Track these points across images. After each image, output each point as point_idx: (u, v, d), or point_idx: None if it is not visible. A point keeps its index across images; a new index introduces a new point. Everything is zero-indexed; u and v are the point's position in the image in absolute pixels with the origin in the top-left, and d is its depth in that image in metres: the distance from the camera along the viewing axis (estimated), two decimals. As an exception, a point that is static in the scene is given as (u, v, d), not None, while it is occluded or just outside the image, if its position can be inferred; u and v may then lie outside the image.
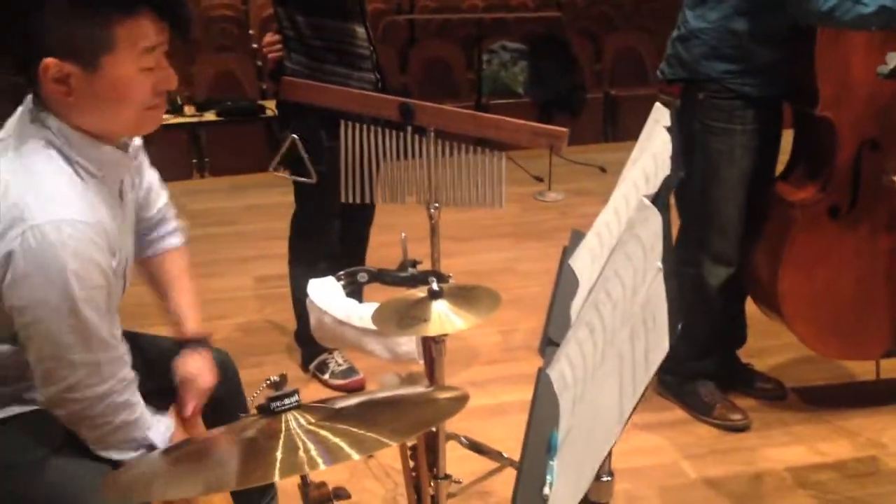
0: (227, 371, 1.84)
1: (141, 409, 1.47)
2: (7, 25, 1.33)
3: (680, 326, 2.95)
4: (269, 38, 2.74)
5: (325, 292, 1.90)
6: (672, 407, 2.79)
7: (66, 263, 1.31)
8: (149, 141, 1.67)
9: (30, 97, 1.42)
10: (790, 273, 2.50)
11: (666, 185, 1.37)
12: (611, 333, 1.22)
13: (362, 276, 1.94)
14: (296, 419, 1.09)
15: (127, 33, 1.33)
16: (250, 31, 7.24)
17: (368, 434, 1.05)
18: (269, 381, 1.14)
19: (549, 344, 1.44)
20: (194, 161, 5.58)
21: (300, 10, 2.62)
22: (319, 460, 0.99)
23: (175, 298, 1.77)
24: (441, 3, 7.57)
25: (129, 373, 1.47)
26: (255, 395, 1.23)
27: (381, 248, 3.15)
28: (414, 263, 1.94)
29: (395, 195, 2.30)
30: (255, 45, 6.74)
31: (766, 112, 2.46)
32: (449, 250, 3.75)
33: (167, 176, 1.86)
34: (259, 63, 6.20)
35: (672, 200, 2.62)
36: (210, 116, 5.55)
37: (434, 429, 1.79)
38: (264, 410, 1.12)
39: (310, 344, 2.97)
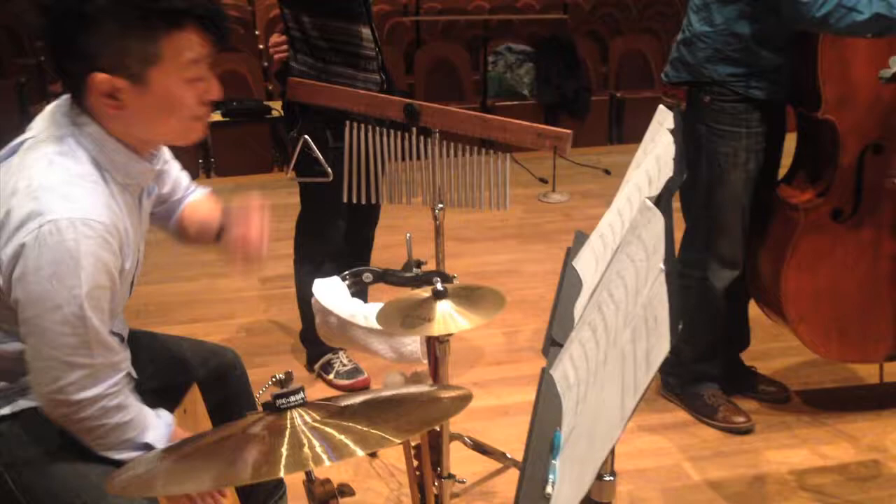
0: (235, 370, 1.86)
1: (135, 410, 1.47)
2: (58, 41, 1.37)
3: (684, 329, 2.96)
4: (276, 38, 2.75)
5: (330, 292, 1.91)
6: (675, 409, 2.80)
7: (77, 261, 1.32)
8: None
9: (66, 99, 1.45)
10: (793, 276, 2.51)
11: (668, 186, 1.38)
12: (613, 334, 1.22)
13: (367, 277, 1.95)
14: (301, 416, 1.11)
15: (173, 46, 1.37)
16: (256, 32, 7.27)
17: (373, 431, 1.06)
18: (274, 379, 1.15)
19: (553, 344, 1.45)
20: (200, 161, 5.60)
21: (306, 11, 2.63)
22: (324, 456, 1.01)
23: (197, 215, 1.76)
24: (447, 5, 7.60)
25: (123, 377, 1.46)
26: (260, 393, 1.24)
27: (387, 249, 3.16)
28: (419, 264, 1.95)
29: (399, 196, 2.31)
30: (261, 46, 6.77)
31: (771, 115, 2.46)
32: (454, 251, 3.77)
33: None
34: (265, 63, 6.23)
35: (677, 204, 2.64)
36: (216, 117, 5.55)
37: (438, 428, 1.80)
38: (270, 407, 1.13)
39: (315, 344, 2.98)
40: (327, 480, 1.23)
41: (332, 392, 2.99)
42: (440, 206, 2.18)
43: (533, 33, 6.70)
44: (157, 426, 1.52)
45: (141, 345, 1.72)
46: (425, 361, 1.85)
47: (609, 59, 6.72)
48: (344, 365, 3.02)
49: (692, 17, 2.48)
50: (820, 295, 2.54)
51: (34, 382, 1.40)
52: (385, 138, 2.25)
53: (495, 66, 6.28)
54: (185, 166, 1.83)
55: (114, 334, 1.48)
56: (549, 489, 1.14)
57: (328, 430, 1.06)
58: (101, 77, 1.35)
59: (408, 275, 1.91)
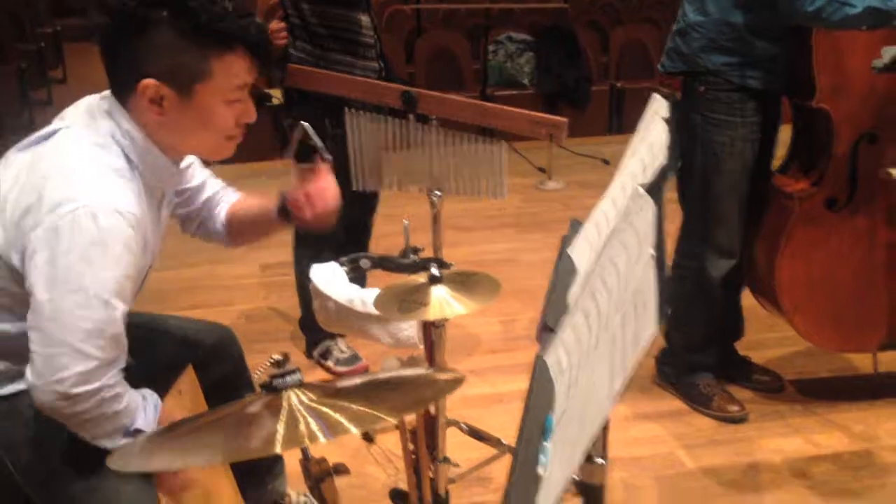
0: (231, 349, 1.88)
1: (128, 397, 1.47)
2: (117, 43, 1.43)
3: (680, 318, 2.98)
4: (275, 25, 2.76)
5: (328, 277, 1.93)
6: (670, 398, 2.82)
7: (109, 247, 1.35)
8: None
9: (105, 95, 1.50)
10: (788, 265, 2.53)
11: (661, 174, 1.40)
12: (605, 319, 1.24)
13: (365, 263, 1.97)
14: (297, 396, 1.13)
15: (223, 67, 1.45)
16: (246, 8, 7.26)
17: (367, 411, 1.08)
18: (272, 360, 1.17)
19: (546, 330, 1.47)
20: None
21: (306, -2, 2.65)
22: (319, 434, 1.03)
23: (253, 210, 1.82)
24: (447, -7, 7.58)
25: (120, 371, 1.47)
26: (258, 373, 1.26)
27: (385, 238, 3.18)
28: (416, 250, 1.96)
29: (397, 183, 2.33)
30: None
31: (766, 105, 2.48)
32: (452, 240, 3.78)
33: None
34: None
35: (673, 194, 2.66)
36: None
37: (433, 412, 1.82)
38: (267, 388, 1.15)
39: (314, 331, 3.01)
40: (323, 459, 1.25)
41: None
42: (437, 193, 2.19)
43: (534, 22, 6.71)
44: (146, 409, 1.51)
45: (138, 324, 1.74)
46: (422, 347, 1.87)
47: (610, 49, 6.73)
48: (342, 352, 3.04)
49: (686, 6, 2.49)
50: (814, 284, 2.56)
51: (33, 373, 1.38)
52: (383, 126, 2.27)
53: (496, 55, 6.29)
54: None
55: None
56: (540, 470, 1.16)
57: (324, 409, 1.08)
58: (150, 83, 1.42)
59: (405, 261, 1.93)
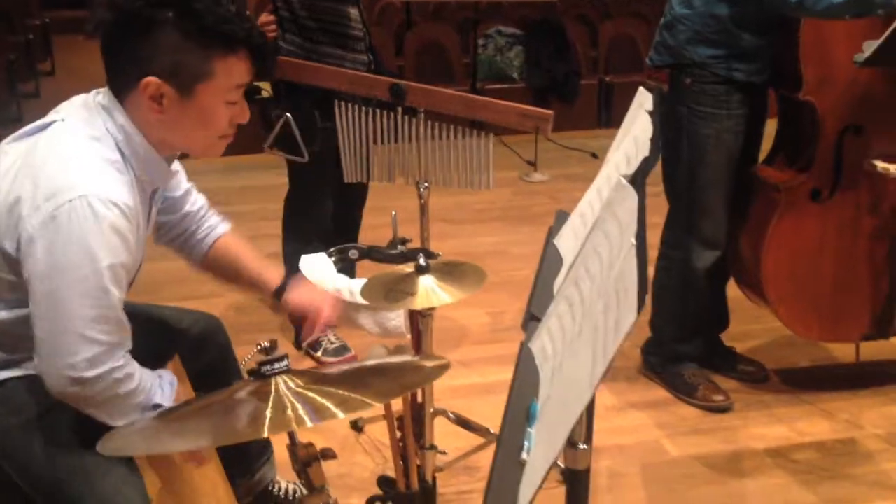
0: (218, 338, 1.90)
1: (139, 375, 1.50)
2: (122, 41, 1.46)
3: (665, 309, 3.00)
4: (264, 18, 2.78)
5: (317, 268, 1.95)
6: (655, 388, 2.85)
7: (105, 236, 1.38)
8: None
9: (102, 90, 1.52)
10: (773, 255, 2.56)
11: (644, 165, 1.42)
12: (588, 306, 1.27)
13: (353, 253, 1.99)
14: (285, 383, 1.15)
15: (224, 68, 1.48)
16: (247, 12, 7.24)
17: (353, 396, 1.10)
18: (259, 347, 1.19)
19: (532, 319, 1.49)
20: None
21: (295, -9, 2.66)
22: (306, 418, 1.05)
23: (249, 267, 1.84)
24: (437, -13, 7.58)
25: (128, 352, 1.50)
26: (245, 361, 1.28)
27: (373, 230, 3.19)
28: (403, 241, 1.98)
29: (385, 175, 2.35)
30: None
31: (752, 97, 2.51)
32: (441, 233, 3.80)
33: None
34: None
35: (657, 188, 2.68)
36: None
37: (420, 400, 1.84)
38: (255, 374, 1.17)
39: (303, 323, 3.02)
40: (310, 444, 1.27)
41: (320, 369, 3.03)
42: (425, 184, 2.21)
43: (523, 16, 6.71)
44: (163, 387, 1.55)
45: (126, 314, 1.76)
46: (409, 336, 1.89)
47: (599, 43, 6.74)
48: (332, 343, 3.06)
49: (673, 0, 2.52)
50: (799, 275, 2.59)
51: (46, 362, 1.41)
52: (371, 118, 2.29)
53: (485, 48, 6.30)
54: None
55: None
56: (524, 455, 1.18)
57: (311, 394, 1.10)
58: (152, 81, 1.45)
59: (393, 252, 1.95)
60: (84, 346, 1.39)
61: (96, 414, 1.46)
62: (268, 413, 1.06)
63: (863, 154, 2.51)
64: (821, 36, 2.37)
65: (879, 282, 2.63)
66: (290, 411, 1.06)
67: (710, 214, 2.60)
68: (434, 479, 1.92)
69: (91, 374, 1.40)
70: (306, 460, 1.25)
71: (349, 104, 2.34)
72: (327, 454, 1.28)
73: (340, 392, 1.10)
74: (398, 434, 1.73)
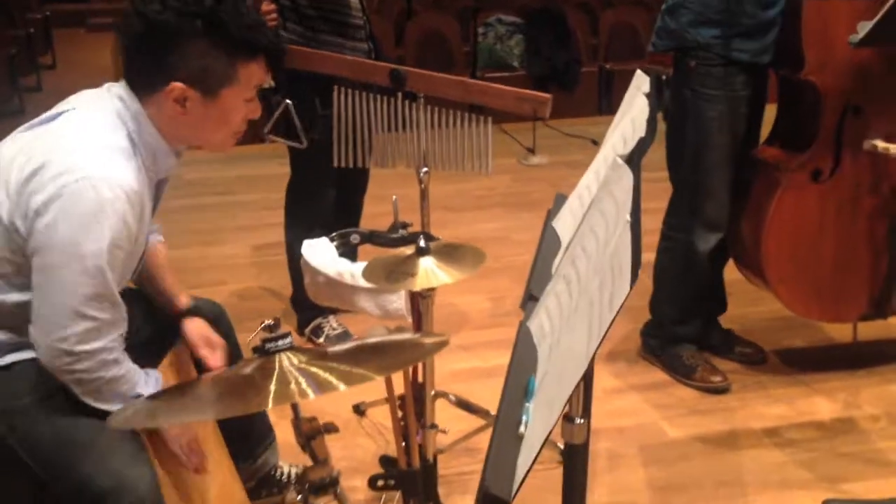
0: (220, 323, 1.93)
1: (127, 364, 1.55)
2: (150, 50, 1.52)
3: (667, 290, 3.02)
4: (265, 7, 2.78)
5: (319, 252, 1.98)
6: (654, 370, 2.88)
7: (107, 216, 1.43)
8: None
9: (119, 83, 1.58)
10: (773, 236, 2.58)
11: (639, 145, 1.45)
12: (584, 283, 1.29)
13: (355, 238, 2.02)
14: (289, 359, 1.18)
15: (247, 72, 1.57)
16: (247, 1, 7.24)
17: (355, 370, 1.13)
18: (263, 324, 1.22)
19: (531, 299, 1.52)
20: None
21: (295, -21, 2.68)
22: (309, 391, 1.08)
23: (163, 281, 1.88)
24: (437, -24, 7.58)
25: (120, 335, 1.54)
26: (250, 339, 1.31)
27: (374, 218, 3.21)
28: (404, 225, 2.01)
29: (386, 160, 2.37)
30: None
31: (755, 78, 2.54)
32: (442, 220, 3.83)
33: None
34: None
35: (655, 174, 2.70)
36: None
37: (421, 380, 1.87)
38: (260, 351, 1.20)
39: (305, 309, 3.06)
40: (313, 418, 1.30)
41: (323, 355, 3.06)
42: (424, 169, 2.24)
43: (523, 5, 6.72)
44: (147, 381, 1.58)
45: (130, 299, 1.79)
46: (409, 318, 1.92)
47: (599, 31, 6.75)
48: (333, 329, 3.09)
49: (674, -16, 2.54)
50: (799, 255, 2.61)
51: (38, 330, 1.47)
52: (372, 104, 2.31)
53: (485, 37, 6.31)
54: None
55: None
56: (522, 429, 1.21)
57: (313, 369, 1.13)
58: (178, 86, 1.52)
59: (394, 236, 1.98)
60: (77, 321, 1.44)
61: (81, 392, 1.50)
62: (272, 387, 1.09)
63: (863, 134, 2.53)
64: (823, 16, 2.40)
65: (879, 262, 2.66)
66: (293, 385, 1.09)
67: (714, 197, 2.63)
68: (435, 457, 1.95)
69: (80, 348, 1.45)
70: (310, 434, 1.28)
71: (349, 90, 2.36)
72: (330, 428, 1.32)
73: (342, 367, 1.13)
74: (399, 414, 1.76)
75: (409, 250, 1.73)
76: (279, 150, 2.91)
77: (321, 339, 3.08)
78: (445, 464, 2.32)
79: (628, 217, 1.22)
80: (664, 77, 2.40)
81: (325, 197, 2.91)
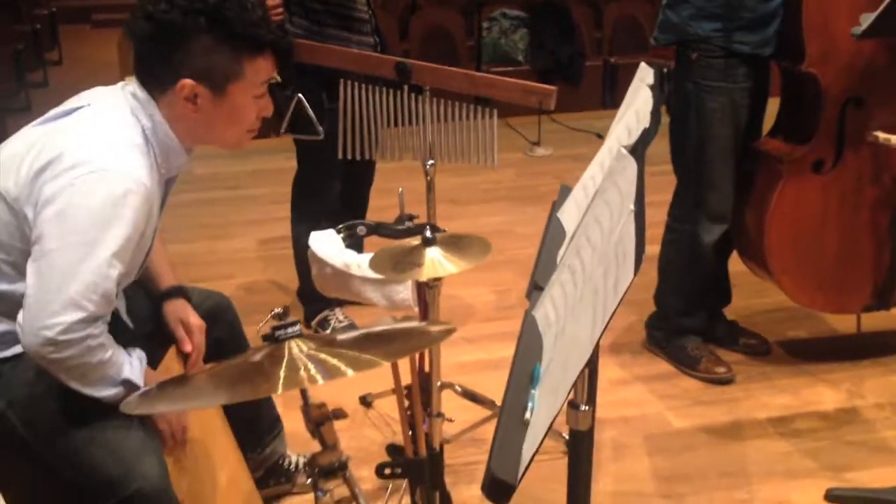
0: (226, 314, 1.96)
1: (113, 348, 1.55)
2: (158, 49, 1.55)
3: (672, 282, 3.03)
4: (271, 1, 2.81)
5: (326, 244, 1.99)
6: (659, 361, 2.90)
7: (118, 210, 1.45)
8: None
9: (133, 83, 1.61)
10: (776, 227, 2.60)
11: (643, 135, 1.46)
12: (589, 273, 1.31)
13: (361, 229, 2.03)
14: (298, 346, 1.20)
15: (253, 67, 1.59)
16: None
17: (363, 356, 1.15)
18: (273, 313, 1.24)
19: (536, 288, 1.54)
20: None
21: (301, -26, 2.69)
22: (318, 377, 1.10)
23: (150, 264, 1.86)
24: (442, -30, 7.57)
25: (104, 323, 1.53)
26: (259, 327, 1.33)
27: (380, 211, 3.23)
28: (410, 217, 2.03)
29: (392, 152, 2.39)
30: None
31: (756, 70, 2.55)
32: (447, 213, 3.84)
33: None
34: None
35: (658, 167, 2.72)
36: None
37: (428, 370, 1.89)
38: (270, 339, 1.22)
39: (312, 301, 3.08)
40: (322, 404, 1.32)
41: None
42: (431, 161, 2.25)
43: (527, -1, 6.73)
44: (132, 362, 1.58)
45: (135, 290, 1.81)
46: (416, 308, 1.93)
47: (603, 25, 6.74)
48: (340, 321, 3.11)
49: (674, -21, 2.55)
50: (802, 246, 2.63)
51: (27, 315, 1.46)
52: (378, 96, 2.33)
53: (490, 31, 6.31)
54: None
55: None
56: (527, 415, 1.23)
57: (322, 356, 1.15)
58: (187, 83, 1.55)
59: (400, 227, 1.99)
60: (69, 310, 1.44)
61: (67, 379, 1.50)
62: (282, 373, 1.11)
63: (864, 126, 2.54)
64: (824, 8, 2.41)
65: (881, 253, 2.67)
66: (302, 371, 1.11)
67: (718, 188, 2.65)
68: (441, 446, 1.97)
69: (66, 337, 1.44)
70: (319, 420, 1.30)
71: (355, 83, 2.38)
72: (339, 414, 1.34)
73: (351, 353, 1.15)
74: (406, 403, 1.78)
75: (415, 241, 1.75)
76: (287, 144, 2.93)
77: (328, 332, 3.11)
78: (451, 454, 2.34)
79: (632, 206, 1.23)
80: (665, 70, 2.40)
81: (331, 190, 2.93)
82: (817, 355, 2.89)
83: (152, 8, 1.53)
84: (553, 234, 1.70)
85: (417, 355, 1.99)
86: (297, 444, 2.25)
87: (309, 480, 1.33)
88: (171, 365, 1.74)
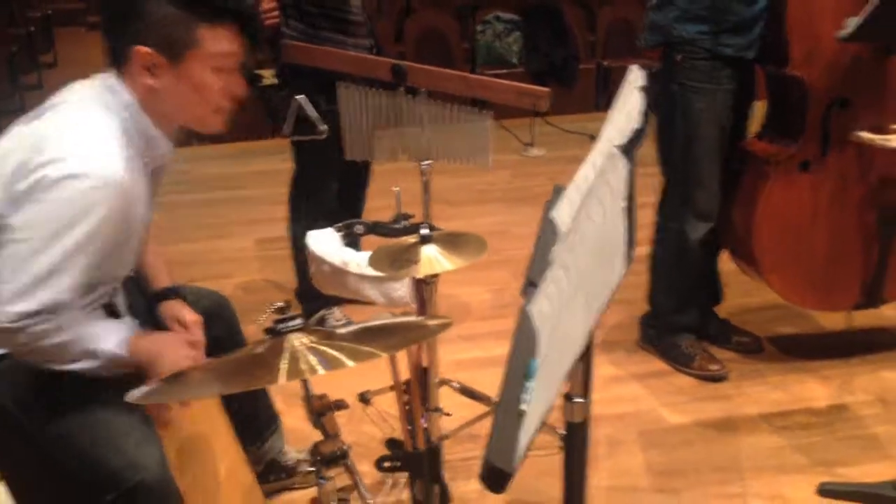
0: (224, 312, 1.98)
1: (76, 328, 1.52)
2: (115, 12, 1.56)
3: (662, 281, 3.07)
4: (267, 4, 2.83)
5: (324, 242, 2.03)
6: (653, 359, 2.94)
7: (88, 208, 1.45)
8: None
9: (109, 74, 1.61)
10: (765, 226, 2.63)
11: (634, 135, 1.50)
12: (583, 269, 1.34)
13: (359, 228, 2.07)
14: (299, 339, 1.23)
15: (211, 37, 1.56)
16: None
17: (363, 348, 1.18)
18: (274, 307, 1.27)
19: (530, 285, 1.57)
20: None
21: (297, -23, 2.73)
22: (319, 367, 1.13)
23: (147, 261, 1.90)
24: (436, -26, 7.61)
25: (69, 311, 1.52)
26: (261, 320, 1.36)
27: (376, 212, 3.26)
28: (407, 216, 2.06)
29: (388, 153, 2.42)
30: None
31: (741, 73, 2.59)
32: (443, 214, 3.87)
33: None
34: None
35: (649, 169, 2.75)
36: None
37: (426, 365, 1.93)
38: (272, 332, 1.25)
39: (309, 300, 3.11)
40: (324, 395, 1.35)
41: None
42: (426, 162, 2.28)
43: (521, 1, 6.75)
44: (108, 335, 1.56)
45: (134, 289, 1.84)
46: (413, 305, 1.97)
47: (597, 28, 6.79)
48: (338, 320, 3.14)
49: (661, -19, 2.60)
50: (791, 245, 2.67)
51: None
52: (374, 98, 2.36)
53: (484, 34, 6.36)
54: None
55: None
56: (523, 406, 1.26)
57: (322, 348, 1.19)
58: (143, 50, 1.54)
59: (397, 226, 2.03)
60: (17, 299, 1.44)
61: (32, 359, 1.52)
62: (283, 365, 1.14)
63: (850, 126, 2.58)
64: (808, 10, 2.45)
65: (869, 251, 2.71)
66: (303, 363, 1.15)
67: (704, 187, 2.69)
68: (440, 441, 2.00)
69: (12, 325, 1.45)
70: (321, 410, 1.33)
71: (351, 85, 2.41)
72: (340, 405, 1.37)
73: (350, 345, 1.19)
74: (405, 398, 1.81)
75: (412, 239, 1.78)
76: (286, 145, 2.96)
77: (325, 331, 3.13)
78: (450, 449, 2.37)
79: (623, 203, 1.27)
80: (651, 70, 2.44)
81: (329, 190, 2.96)
82: (808, 353, 2.94)
83: None
84: (547, 233, 1.73)
85: (416, 350, 2.02)
86: (296, 441, 2.28)
87: (312, 468, 1.35)
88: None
